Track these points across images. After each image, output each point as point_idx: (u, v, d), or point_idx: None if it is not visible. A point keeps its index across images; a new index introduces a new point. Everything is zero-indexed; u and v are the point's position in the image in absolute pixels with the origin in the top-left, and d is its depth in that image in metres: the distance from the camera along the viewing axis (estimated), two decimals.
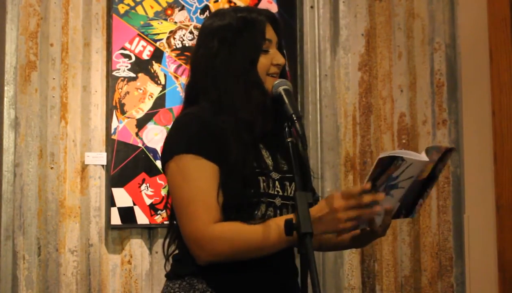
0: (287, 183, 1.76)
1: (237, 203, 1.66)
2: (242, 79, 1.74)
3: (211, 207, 1.64)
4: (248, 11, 1.84)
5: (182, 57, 3.33)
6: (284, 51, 1.87)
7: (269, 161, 1.78)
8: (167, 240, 1.82)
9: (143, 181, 3.22)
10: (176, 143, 1.69)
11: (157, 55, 3.32)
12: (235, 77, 1.74)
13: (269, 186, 1.73)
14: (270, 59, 1.79)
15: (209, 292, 1.69)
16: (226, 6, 3.38)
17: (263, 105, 1.74)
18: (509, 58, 3.16)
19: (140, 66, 3.30)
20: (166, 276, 1.79)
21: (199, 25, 3.35)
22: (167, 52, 3.32)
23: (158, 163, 3.23)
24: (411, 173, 1.65)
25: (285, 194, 1.76)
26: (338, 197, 1.59)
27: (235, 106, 1.72)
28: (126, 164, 3.23)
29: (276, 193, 1.75)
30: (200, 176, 1.65)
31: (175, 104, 3.29)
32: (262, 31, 1.78)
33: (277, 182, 1.76)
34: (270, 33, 1.81)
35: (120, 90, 3.26)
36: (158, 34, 3.33)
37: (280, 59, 1.80)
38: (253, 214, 1.70)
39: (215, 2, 3.39)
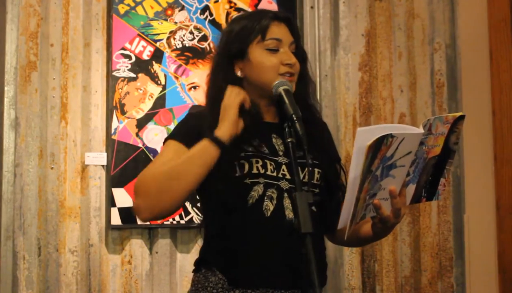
0: (299, 168, 1.74)
1: (215, 183, 1.72)
2: (225, 83, 1.80)
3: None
4: (257, 14, 1.85)
5: (182, 58, 3.33)
6: (304, 53, 1.88)
7: (278, 147, 1.80)
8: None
9: None
10: (170, 133, 1.85)
11: (157, 56, 3.32)
12: (219, 81, 1.82)
13: (266, 168, 1.74)
14: (280, 58, 1.79)
15: (220, 285, 1.74)
16: (226, 6, 3.38)
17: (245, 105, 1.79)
18: (509, 58, 3.16)
19: (140, 66, 3.30)
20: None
21: (199, 25, 3.36)
22: (167, 52, 3.32)
23: None
24: (408, 149, 1.56)
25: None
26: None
27: (217, 108, 1.78)
28: (126, 164, 3.23)
29: (281, 176, 1.76)
30: (169, 151, 1.77)
31: (175, 104, 3.30)
32: (262, 32, 1.79)
33: (284, 166, 1.77)
34: (279, 32, 1.81)
35: (120, 90, 3.27)
36: (158, 34, 3.33)
37: (290, 59, 1.79)
38: (246, 195, 1.72)
39: (215, 2, 3.39)
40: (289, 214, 1.73)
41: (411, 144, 1.57)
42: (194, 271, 1.83)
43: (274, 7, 3.38)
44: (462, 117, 1.64)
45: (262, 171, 1.74)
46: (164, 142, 1.83)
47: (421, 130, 1.57)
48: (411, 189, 1.67)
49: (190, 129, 1.80)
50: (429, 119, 1.60)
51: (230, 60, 1.82)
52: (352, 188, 1.56)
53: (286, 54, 1.80)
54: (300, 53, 1.85)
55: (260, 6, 3.38)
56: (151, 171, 1.72)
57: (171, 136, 1.82)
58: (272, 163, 1.76)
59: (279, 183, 1.75)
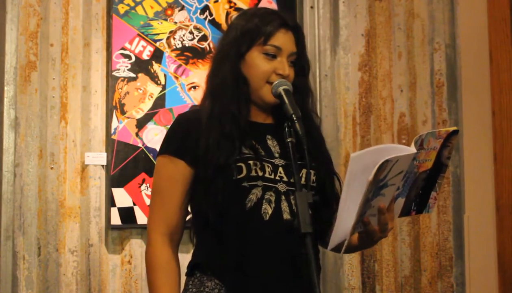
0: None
1: (209, 188, 1.72)
2: (230, 74, 1.78)
3: (166, 208, 1.80)
4: (268, 16, 1.81)
5: (182, 57, 3.33)
6: (307, 65, 1.85)
7: (274, 148, 1.79)
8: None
9: (143, 181, 3.23)
10: (160, 146, 1.84)
11: (157, 55, 3.32)
12: (224, 71, 1.80)
13: (264, 170, 1.73)
14: (274, 66, 1.77)
15: (217, 290, 1.72)
16: (226, 6, 3.38)
17: (246, 99, 1.78)
18: (509, 58, 3.16)
19: (140, 66, 3.30)
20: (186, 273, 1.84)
21: (199, 25, 3.36)
22: (167, 52, 3.32)
23: None
24: (400, 168, 1.55)
25: (292, 180, 1.73)
26: None
27: (220, 97, 1.78)
28: (126, 164, 3.23)
29: (279, 178, 1.74)
30: (165, 173, 1.79)
31: (175, 104, 3.29)
32: (266, 36, 1.77)
33: (281, 168, 1.76)
34: (283, 41, 1.78)
35: (120, 90, 3.26)
36: (158, 34, 3.33)
37: (283, 70, 1.76)
38: (244, 198, 1.71)
39: (215, 2, 3.39)
40: (287, 217, 1.72)
41: (403, 165, 1.55)
42: (187, 274, 1.81)
43: (273, 7, 3.37)
44: (455, 132, 1.61)
45: (260, 174, 1.72)
46: (157, 156, 1.82)
47: (413, 150, 1.55)
48: (400, 202, 1.65)
49: (181, 138, 1.79)
50: (421, 135, 1.58)
51: (237, 53, 1.79)
52: (346, 214, 1.55)
53: (281, 64, 1.77)
54: (301, 64, 1.83)
55: (260, 6, 3.37)
56: (149, 253, 1.79)
57: (162, 150, 1.81)
58: (269, 165, 1.75)
59: (276, 185, 1.74)
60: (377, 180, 1.52)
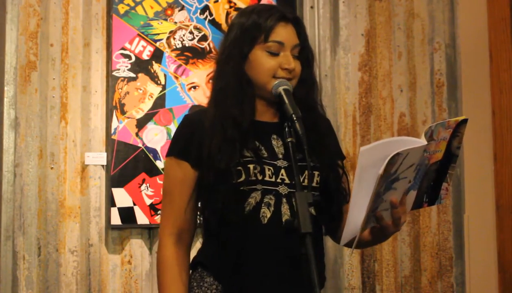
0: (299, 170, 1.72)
1: (211, 195, 1.73)
2: (233, 76, 1.78)
3: (174, 209, 1.82)
4: (266, 11, 1.81)
5: (182, 57, 3.33)
6: (310, 55, 1.85)
7: (278, 149, 1.78)
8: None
9: (143, 181, 3.23)
10: (169, 148, 1.86)
11: (157, 55, 3.32)
12: (227, 73, 1.79)
13: (264, 173, 1.72)
14: (279, 62, 1.76)
15: (215, 286, 1.74)
16: (226, 6, 3.38)
17: (250, 100, 1.78)
18: (509, 58, 3.16)
19: (140, 66, 3.30)
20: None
21: (199, 25, 3.36)
22: (167, 52, 3.32)
23: (158, 163, 3.23)
24: (411, 161, 1.54)
25: (294, 182, 1.71)
26: None
27: (223, 100, 1.78)
28: (126, 164, 3.23)
29: (280, 180, 1.74)
30: (172, 175, 1.82)
31: (175, 104, 3.30)
32: (266, 32, 1.76)
33: (283, 170, 1.75)
34: (284, 35, 1.78)
35: (120, 90, 3.27)
36: (158, 34, 3.33)
37: (289, 64, 1.76)
38: (243, 202, 1.71)
39: (215, 2, 3.39)
40: (287, 219, 1.71)
41: (414, 158, 1.55)
42: (191, 267, 1.83)
43: None
44: (464, 121, 1.61)
45: (260, 177, 1.72)
46: (166, 156, 1.85)
47: (424, 142, 1.55)
48: (412, 195, 1.65)
49: (186, 140, 1.80)
50: (430, 126, 1.57)
51: (240, 54, 1.79)
52: (357, 209, 1.56)
53: (286, 58, 1.76)
54: (304, 56, 1.82)
55: None
56: (161, 253, 1.81)
57: (170, 152, 1.83)
58: (271, 168, 1.74)
59: (277, 188, 1.73)
60: (388, 173, 1.52)
